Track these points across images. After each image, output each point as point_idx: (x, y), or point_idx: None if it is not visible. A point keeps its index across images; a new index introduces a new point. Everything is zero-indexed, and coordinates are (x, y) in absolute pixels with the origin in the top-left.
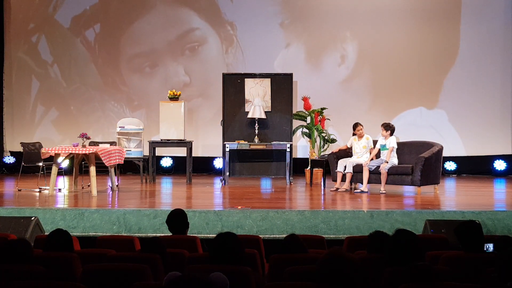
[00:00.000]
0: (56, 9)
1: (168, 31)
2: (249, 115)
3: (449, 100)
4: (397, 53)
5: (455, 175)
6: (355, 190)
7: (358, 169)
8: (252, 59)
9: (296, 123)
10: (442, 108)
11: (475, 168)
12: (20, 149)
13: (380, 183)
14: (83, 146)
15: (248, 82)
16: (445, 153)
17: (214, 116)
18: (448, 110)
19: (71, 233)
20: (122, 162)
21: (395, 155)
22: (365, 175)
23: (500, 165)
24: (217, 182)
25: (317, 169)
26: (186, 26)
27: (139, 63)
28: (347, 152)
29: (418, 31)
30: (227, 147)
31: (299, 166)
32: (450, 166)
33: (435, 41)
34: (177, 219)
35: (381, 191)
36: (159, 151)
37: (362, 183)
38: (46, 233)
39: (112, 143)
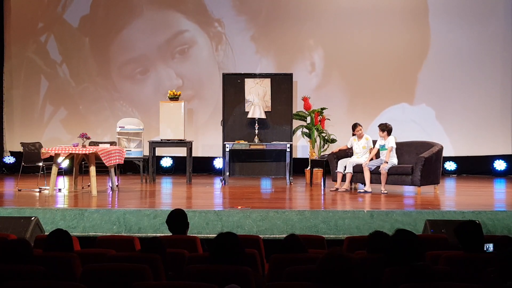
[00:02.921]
0: (65, 9)
1: (157, 35)
2: (249, 115)
3: (449, 100)
4: (397, 55)
5: (455, 175)
6: (359, 190)
7: (358, 169)
8: (241, 56)
9: (296, 123)
10: (441, 108)
11: (475, 168)
12: (20, 149)
13: (380, 183)
14: (83, 146)
15: (248, 82)
16: (445, 153)
17: (212, 116)
18: (448, 110)
19: (71, 233)
20: (122, 162)
21: (395, 155)
22: (367, 175)
23: (500, 165)
24: (217, 182)
25: (317, 169)
26: (175, 29)
27: (131, 69)
28: (347, 152)
29: (419, 31)
30: (227, 147)
31: (299, 166)
32: (450, 166)
33: (435, 41)
34: (177, 219)
35: (382, 191)
36: (159, 151)
37: (362, 183)
38: (46, 233)
39: (112, 143)
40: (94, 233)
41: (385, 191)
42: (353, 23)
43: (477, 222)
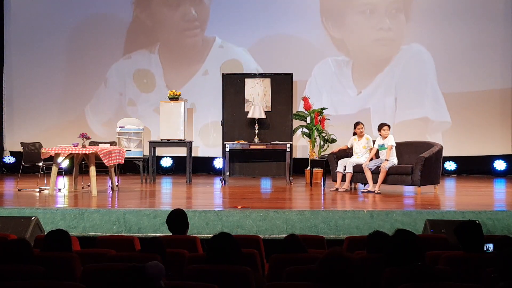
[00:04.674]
0: (61, 9)
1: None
2: (249, 115)
3: (449, 99)
4: (399, 54)
5: (455, 175)
6: (362, 190)
7: (358, 169)
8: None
9: (296, 123)
10: (442, 108)
11: (475, 168)
12: (20, 149)
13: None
14: (83, 146)
15: (248, 82)
16: (445, 153)
17: (213, 116)
18: (448, 110)
19: (71, 233)
20: (122, 162)
21: (395, 155)
22: (368, 175)
23: (500, 165)
24: (217, 182)
25: (317, 169)
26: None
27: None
28: (347, 152)
29: (417, 30)
30: (227, 147)
31: (299, 166)
32: (450, 166)
33: (438, 41)
34: (177, 219)
35: (375, 191)
36: (159, 151)
37: (362, 183)
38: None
39: (112, 143)
40: (94, 233)
41: (379, 191)
42: (358, 23)
43: (477, 222)
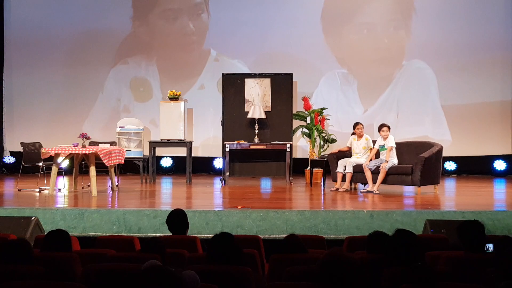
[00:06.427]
0: (62, 11)
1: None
2: (249, 115)
3: (450, 99)
4: (399, 55)
5: (455, 175)
6: (361, 191)
7: (358, 169)
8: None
9: (296, 123)
10: (442, 108)
11: (475, 168)
12: (20, 149)
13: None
14: (83, 146)
15: (248, 82)
16: (445, 153)
17: (213, 116)
18: (448, 110)
19: (71, 233)
20: (122, 162)
21: (395, 155)
22: (368, 176)
23: (500, 165)
24: (217, 182)
25: (317, 169)
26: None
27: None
28: (346, 153)
29: (417, 30)
30: (227, 147)
31: (299, 166)
32: (450, 166)
33: (437, 41)
34: (177, 219)
35: (374, 191)
36: (159, 151)
37: (362, 183)
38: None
39: (112, 143)
40: (94, 233)
41: (377, 192)
42: (356, 42)
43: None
